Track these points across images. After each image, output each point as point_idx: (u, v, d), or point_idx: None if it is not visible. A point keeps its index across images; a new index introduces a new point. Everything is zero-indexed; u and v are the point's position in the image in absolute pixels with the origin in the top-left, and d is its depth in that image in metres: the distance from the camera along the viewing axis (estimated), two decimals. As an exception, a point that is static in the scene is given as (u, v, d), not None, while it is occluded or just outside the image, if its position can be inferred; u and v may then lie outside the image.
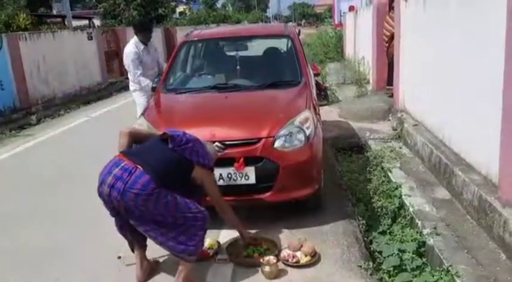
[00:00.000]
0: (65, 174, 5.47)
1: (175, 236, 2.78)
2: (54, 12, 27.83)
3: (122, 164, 2.73)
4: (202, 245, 2.98)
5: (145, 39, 5.63)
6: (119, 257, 3.32)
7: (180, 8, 41.47)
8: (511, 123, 3.04)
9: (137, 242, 3.06)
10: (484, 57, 3.63)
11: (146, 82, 5.40)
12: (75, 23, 22.02)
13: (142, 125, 3.81)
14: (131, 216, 2.76)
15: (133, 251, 3.13)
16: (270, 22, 70.88)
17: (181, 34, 21.65)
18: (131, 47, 5.59)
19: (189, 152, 2.95)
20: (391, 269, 3.19)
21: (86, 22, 25.65)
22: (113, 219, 3.01)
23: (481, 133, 3.66)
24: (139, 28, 5.71)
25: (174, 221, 2.76)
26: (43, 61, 10.42)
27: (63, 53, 11.35)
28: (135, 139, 3.02)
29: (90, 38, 12.90)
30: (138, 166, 2.71)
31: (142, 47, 5.60)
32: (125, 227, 2.98)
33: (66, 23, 18.60)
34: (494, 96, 3.25)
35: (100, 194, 2.79)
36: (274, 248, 3.31)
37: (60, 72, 11.14)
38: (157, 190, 2.67)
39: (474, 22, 3.85)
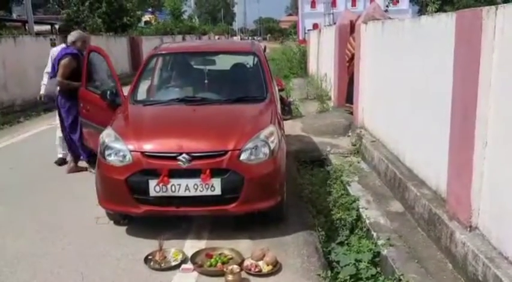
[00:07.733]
0: (24, 183, 5.37)
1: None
2: (14, 16, 27.00)
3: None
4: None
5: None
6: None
7: (146, 17, 41.09)
8: (457, 146, 3.30)
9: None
10: (433, 82, 3.91)
11: (43, 81, 6.38)
12: (37, 27, 21.45)
13: (110, 135, 3.86)
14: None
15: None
16: (235, 35, 71.51)
17: (147, 44, 21.51)
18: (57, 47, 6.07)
19: None
20: (348, 277, 3.36)
21: (48, 27, 25.00)
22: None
23: (431, 153, 3.93)
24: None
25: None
26: (3, 66, 10.17)
27: (24, 59, 11.09)
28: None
29: (53, 44, 12.64)
30: None
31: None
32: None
33: (27, 27, 18.12)
34: (443, 119, 3.52)
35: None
36: (238, 257, 3.42)
37: (21, 78, 10.87)
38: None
39: (426, 50, 4.14)
